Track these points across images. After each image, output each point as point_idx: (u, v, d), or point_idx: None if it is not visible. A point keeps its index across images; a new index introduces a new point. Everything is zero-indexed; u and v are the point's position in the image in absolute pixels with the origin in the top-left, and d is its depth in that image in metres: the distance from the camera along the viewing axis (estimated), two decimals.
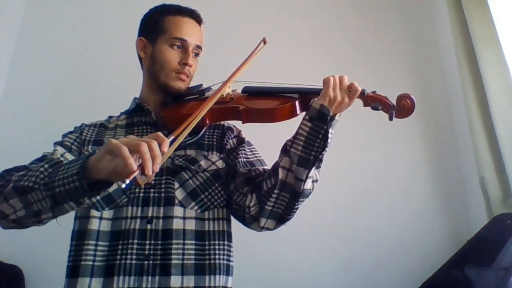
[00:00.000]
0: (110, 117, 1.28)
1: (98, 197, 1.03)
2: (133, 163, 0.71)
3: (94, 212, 1.03)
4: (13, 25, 2.16)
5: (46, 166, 0.88)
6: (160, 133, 0.78)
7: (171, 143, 0.80)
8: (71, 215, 1.08)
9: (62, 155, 1.07)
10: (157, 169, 0.73)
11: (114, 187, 1.04)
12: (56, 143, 1.13)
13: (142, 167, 0.71)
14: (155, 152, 0.73)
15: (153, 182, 1.07)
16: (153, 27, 1.22)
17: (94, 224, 1.02)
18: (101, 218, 1.03)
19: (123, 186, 0.70)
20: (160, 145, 0.75)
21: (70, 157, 1.08)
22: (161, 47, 1.19)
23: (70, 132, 1.19)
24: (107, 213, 1.04)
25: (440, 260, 1.91)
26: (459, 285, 1.67)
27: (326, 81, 1.02)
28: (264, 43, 1.24)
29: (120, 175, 0.74)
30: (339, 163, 2.03)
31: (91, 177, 0.79)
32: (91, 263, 0.98)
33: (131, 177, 0.70)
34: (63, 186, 0.80)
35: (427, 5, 2.63)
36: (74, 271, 0.99)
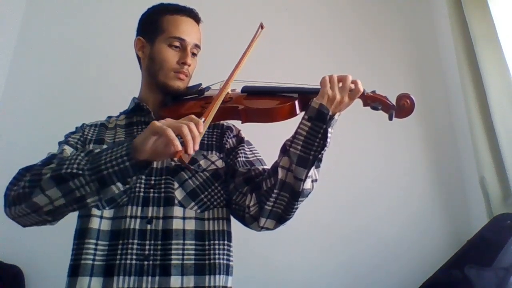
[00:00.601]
0: (109, 117, 1.28)
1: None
2: (179, 144, 0.79)
3: (95, 211, 1.03)
4: (13, 25, 2.16)
5: (82, 154, 0.90)
6: (193, 116, 0.85)
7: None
8: (72, 214, 1.08)
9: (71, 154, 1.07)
10: (197, 148, 0.82)
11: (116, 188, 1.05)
12: (61, 143, 1.14)
13: (185, 147, 0.80)
14: (194, 133, 0.81)
15: (153, 182, 1.07)
16: (151, 26, 1.22)
17: (94, 223, 1.02)
18: (101, 217, 1.03)
19: (173, 163, 0.81)
20: (196, 126, 0.83)
21: None
22: (159, 46, 1.19)
23: (73, 132, 1.19)
24: (108, 212, 1.04)
25: (440, 260, 1.91)
26: (459, 285, 1.67)
27: (322, 80, 1.02)
28: (262, 28, 1.22)
29: (163, 155, 0.85)
30: (339, 163, 2.03)
31: (136, 158, 0.85)
32: (91, 262, 0.98)
33: (178, 156, 0.80)
34: (112, 168, 0.85)
35: (427, 5, 2.63)
36: (74, 270, 0.99)
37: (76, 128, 1.21)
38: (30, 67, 2.13)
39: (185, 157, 0.82)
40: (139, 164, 0.86)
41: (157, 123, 0.82)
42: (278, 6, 2.47)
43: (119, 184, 0.87)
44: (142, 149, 0.84)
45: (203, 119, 0.89)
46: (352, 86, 1.01)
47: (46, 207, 0.90)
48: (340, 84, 1.01)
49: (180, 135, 0.80)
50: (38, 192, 0.89)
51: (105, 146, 1.12)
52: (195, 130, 0.81)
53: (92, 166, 0.86)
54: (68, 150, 1.09)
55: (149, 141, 0.83)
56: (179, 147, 0.79)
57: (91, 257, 0.98)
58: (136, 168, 0.86)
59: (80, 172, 0.86)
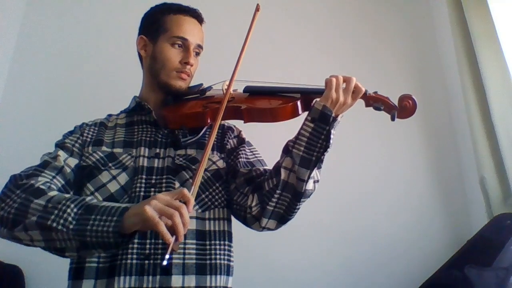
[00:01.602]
0: (110, 115, 1.27)
1: (101, 199, 1.04)
2: (170, 237, 0.78)
3: None
4: (13, 25, 2.16)
5: (72, 206, 0.88)
6: (185, 191, 0.83)
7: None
8: None
9: (65, 161, 1.07)
10: (185, 232, 0.80)
11: (115, 186, 1.05)
12: (57, 145, 1.13)
13: (176, 235, 0.79)
14: (185, 219, 0.80)
15: (153, 181, 1.07)
16: (154, 25, 1.22)
17: None
18: None
19: (164, 262, 0.77)
20: (187, 206, 0.82)
21: (72, 161, 1.08)
22: (162, 45, 1.19)
23: (71, 132, 1.18)
24: None
25: (440, 260, 1.91)
26: (459, 285, 1.68)
27: (328, 82, 1.01)
28: (258, 10, 1.21)
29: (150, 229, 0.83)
30: (340, 163, 2.03)
31: (123, 233, 0.84)
32: (96, 264, 0.98)
33: (170, 251, 0.78)
34: (96, 238, 0.84)
35: (427, 5, 2.63)
36: (78, 273, 0.98)
37: (75, 127, 1.20)
38: (30, 67, 2.13)
39: (176, 246, 0.80)
40: (124, 238, 0.85)
41: (149, 210, 0.79)
42: (279, 6, 2.47)
43: (100, 250, 0.87)
44: (131, 229, 0.83)
45: (192, 189, 0.88)
46: (353, 87, 1.01)
47: (26, 242, 0.91)
48: (344, 85, 1.01)
49: (171, 223, 0.79)
50: (21, 229, 0.89)
51: (104, 148, 1.12)
52: (186, 215, 0.80)
53: (77, 228, 0.85)
54: (62, 156, 1.08)
55: (138, 225, 0.82)
56: (171, 240, 0.78)
57: (96, 259, 0.98)
58: (119, 243, 0.84)
59: (65, 230, 0.85)
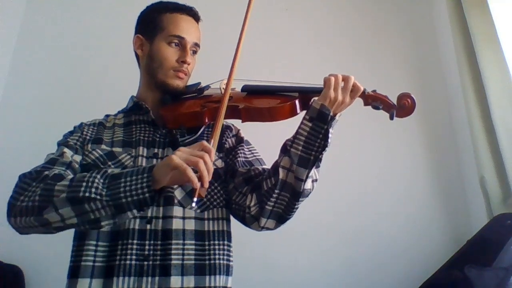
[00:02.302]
0: (107, 115, 1.27)
1: None
2: (197, 182, 0.84)
3: None
4: (13, 25, 2.16)
5: (98, 176, 0.91)
6: (205, 143, 0.89)
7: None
8: None
9: (72, 157, 1.07)
10: (210, 178, 0.86)
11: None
12: (60, 144, 1.13)
13: (201, 181, 0.84)
14: (209, 166, 0.86)
15: None
16: (151, 24, 1.21)
17: None
18: None
19: (194, 205, 0.89)
20: (210, 156, 0.87)
21: (78, 158, 1.09)
22: (159, 44, 1.18)
23: (71, 132, 1.18)
24: None
25: (440, 260, 1.91)
26: (459, 285, 1.67)
27: (326, 81, 1.01)
28: None
29: (179, 183, 0.96)
30: (339, 163, 2.03)
31: (155, 188, 0.89)
32: (91, 263, 0.98)
33: (197, 194, 0.84)
34: (131, 197, 0.87)
35: (427, 5, 2.63)
36: (74, 271, 0.98)
37: (74, 127, 1.20)
38: (30, 67, 2.13)
39: (202, 191, 0.85)
40: (157, 194, 0.90)
41: (176, 159, 0.85)
42: (278, 5, 2.47)
43: (135, 211, 0.89)
44: (161, 182, 0.88)
45: (211, 141, 0.92)
46: (351, 85, 1.01)
47: (56, 224, 0.91)
48: (342, 84, 1.01)
49: (196, 169, 0.84)
50: (51, 210, 0.89)
51: (103, 146, 1.12)
52: (209, 163, 0.86)
53: (111, 193, 0.88)
54: (68, 152, 1.08)
55: (167, 176, 0.87)
56: (198, 185, 0.83)
57: (92, 258, 0.98)
58: (155, 198, 0.89)
59: (98, 197, 0.87)
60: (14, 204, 0.94)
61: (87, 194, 0.87)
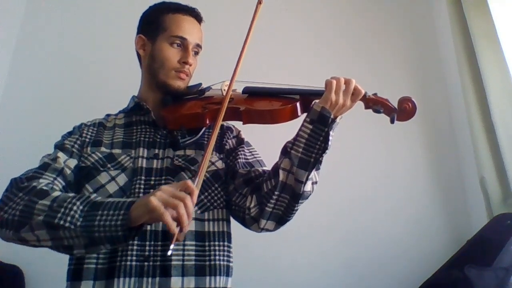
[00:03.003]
0: (108, 115, 1.26)
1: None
2: (176, 229, 0.80)
3: None
4: (13, 25, 2.16)
5: (78, 203, 0.88)
6: (189, 183, 0.85)
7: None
8: None
9: (64, 162, 1.07)
10: (191, 220, 0.83)
11: (114, 187, 1.05)
12: (56, 147, 1.12)
13: (180, 225, 0.80)
14: (190, 211, 0.82)
15: (152, 182, 1.07)
16: (153, 25, 1.21)
17: None
18: None
19: (169, 252, 0.80)
20: (192, 197, 0.83)
21: (72, 162, 1.08)
22: (161, 45, 1.18)
23: (70, 133, 1.18)
24: None
25: (440, 260, 1.91)
26: (459, 285, 1.67)
27: (328, 84, 1.01)
28: (260, 3, 1.20)
29: (157, 221, 0.87)
30: (340, 164, 2.03)
31: (130, 226, 0.85)
32: (94, 266, 0.98)
33: (174, 240, 0.80)
34: (104, 233, 0.84)
35: (427, 4, 2.63)
36: (76, 274, 0.98)
37: (74, 128, 1.20)
38: (30, 67, 2.13)
39: (181, 236, 0.82)
40: (131, 231, 0.86)
41: (154, 201, 0.81)
42: (278, 6, 2.46)
43: (108, 245, 0.87)
44: (137, 221, 0.84)
45: (196, 180, 0.89)
46: (353, 89, 1.01)
47: (32, 242, 0.91)
48: (344, 87, 1.01)
49: (176, 214, 0.80)
50: (27, 230, 0.89)
51: (102, 149, 1.12)
52: (190, 206, 0.82)
53: (85, 224, 0.85)
54: (62, 157, 1.08)
55: (145, 216, 0.83)
56: (176, 232, 0.80)
57: (94, 261, 0.98)
58: (127, 236, 0.85)
59: (72, 226, 0.85)
60: None
61: (61, 222, 0.86)
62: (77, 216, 0.86)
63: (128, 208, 0.85)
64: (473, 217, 2.12)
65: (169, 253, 0.80)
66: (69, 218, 0.86)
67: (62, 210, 0.87)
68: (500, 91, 1.95)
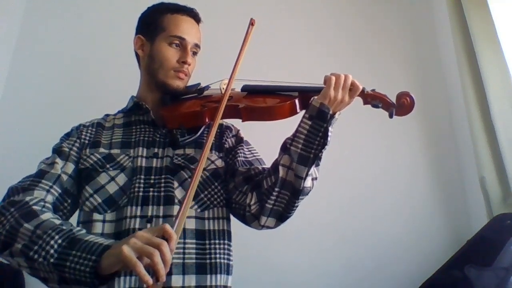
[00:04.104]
0: (107, 115, 1.27)
1: (100, 201, 1.04)
2: (150, 280, 0.74)
3: (97, 216, 1.03)
4: (13, 25, 2.16)
5: (57, 237, 0.87)
6: (167, 227, 0.79)
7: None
8: (74, 217, 1.08)
9: (62, 169, 1.07)
10: (167, 269, 0.76)
11: (114, 187, 1.05)
12: (54, 151, 1.13)
13: (156, 276, 0.75)
14: (167, 259, 0.76)
15: (152, 181, 1.07)
16: (152, 25, 1.22)
17: (97, 228, 1.02)
18: (104, 221, 1.03)
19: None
20: (169, 243, 0.77)
21: (70, 167, 1.09)
22: (159, 45, 1.19)
23: (68, 135, 1.18)
24: (110, 216, 1.03)
25: (440, 260, 1.91)
26: (459, 285, 1.67)
27: (327, 80, 1.02)
28: (252, 24, 1.19)
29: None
30: (339, 163, 2.03)
31: (100, 273, 0.82)
32: None
33: None
34: (73, 275, 0.83)
35: (427, 5, 2.63)
36: None
37: (72, 129, 1.20)
38: (30, 67, 2.13)
39: (156, 287, 0.75)
40: (102, 278, 0.83)
41: (126, 251, 0.76)
42: (277, 5, 2.47)
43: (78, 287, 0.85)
44: (108, 270, 0.81)
45: (176, 224, 0.82)
46: (350, 84, 1.02)
47: (15, 265, 0.91)
48: (343, 83, 1.01)
49: (151, 263, 0.75)
50: (8, 254, 0.90)
51: (101, 149, 1.12)
52: (167, 253, 0.76)
53: (57, 262, 0.84)
54: (60, 163, 1.08)
55: (116, 266, 0.80)
56: (150, 282, 0.74)
57: None
58: (96, 283, 0.83)
59: (46, 262, 0.85)
60: None
61: (35, 256, 0.85)
62: (52, 251, 0.85)
63: (100, 255, 0.82)
64: (473, 217, 2.12)
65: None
66: (43, 253, 0.86)
67: (40, 242, 0.87)
68: (500, 91, 1.95)
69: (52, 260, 0.84)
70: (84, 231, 0.91)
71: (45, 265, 0.85)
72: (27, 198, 0.97)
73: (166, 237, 0.78)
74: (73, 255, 0.84)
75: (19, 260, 0.88)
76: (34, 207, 0.96)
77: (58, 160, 1.08)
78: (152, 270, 0.75)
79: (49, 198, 1.02)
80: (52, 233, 0.88)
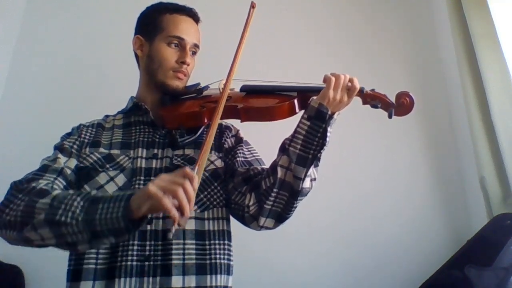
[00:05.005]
0: (107, 116, 1.27)
1: None
2: (176, 213, 0.79)
3: None
4: (13, 25, 2.16)
5: (79, 199, 0.88)
6: (188, 170, 0.83)
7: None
8: None
9: (64, 163, 1.07)
10: (192, 207, 0.81)
11: (113, 188, 1.05)
12: (56, 148, 1.13)
13: (181, 210, 0.80)
14: (190, 195, 0.81)
15: None
16: (151, 25, 1.22)
17: None
18: None
19: (170, 235, 0.81)
20: (191, 183, 0.82)
21: (72, 163, 1.09)
22: (158, 45, 1.19)
23: (68, 134, 1.18)
24: None
25: (440, 260, 1.91)
26: (459, 285, 1.67)
27: (327, 80, 1.01)
28: (253, 7, 1.19)
29: (159, 211, 0.87)
30: (338, 163, 2.03)
31: (131, 217, 0.83)
32: (93, 266, 0.98)
33: (176, 224, 0.79)
34: (106, 226, 0.83)
35: (427, 4, 2.63)
36: (76, 274, 0.98)
37: (72, 129, 1.20)
38: (30, 67, 2.13)
39: (183, 221, 0.80)
40: (134, 223, 0.84)
41: (152, 188, 0.80)
42: (277, 4, 2.46)
43: (111, 238, 0.86)
44: (138, 212, 0.82)
45: (196, 168, 0.88)
46: (349, 84, 1.02)
47: (37, 242, 0.90)
48: (342, 83, 1.01)
49: (175, 199, 0.79)
50: (30, 229, 0.88)
51: (101, 149, 1.12)
52: (190, 191, 0.81)
53: (86, 218, 0.84)
54: (62, 158, 1.08)
55: (145, 206, 0.81)
56: (177, 216, 0.79)
57: (94, 261, 0.98)
58: (130, 228, 0.84)
59: (74, 222, 0.84)
60: (0, 216, 0.94)
61: (63, 218, 0.85)
62: (78, 211, 0.85)
63: (128, 199, 0.84)
64: (473, 217, 2.12)
65: (170, 235, 0.80)
66: (70, 214, 0.85)
67: (63, 206, 0.87)
68: (500, 91, 1.95)
69: (80, 218, 0.84)
70: (101, 193, 0.92)
71: (73, 226, 0.84)
72: (33, 184, 0.98)
73: (187, 178, 0.82)
74: (100, 208, 0.85)
75: (43, 232, 0.87)
76: (44, 187, 0.96)
77: (60, 155, 1.09)
78: (177, 206, 0.79)
79: (55, 187, 1.01)
80: (72, 197, 0.89)
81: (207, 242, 1.05)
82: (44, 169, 1.05)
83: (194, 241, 1.04)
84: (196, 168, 0.87)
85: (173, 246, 1.00)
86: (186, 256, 1.01)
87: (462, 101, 2.15)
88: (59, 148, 1.12)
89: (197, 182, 0.84)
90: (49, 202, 0.89)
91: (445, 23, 2.33)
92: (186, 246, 1.02)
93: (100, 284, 0.97)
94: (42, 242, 0.89)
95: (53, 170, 1.04)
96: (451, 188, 2.25)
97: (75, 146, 1.13)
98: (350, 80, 1.02)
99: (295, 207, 1.05)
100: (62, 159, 1.08)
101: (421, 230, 2.15)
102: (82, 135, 1.16)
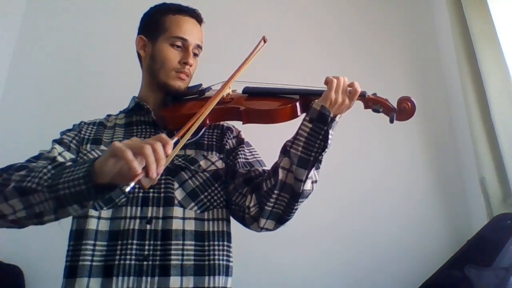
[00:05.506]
0: (109, 115, 1.27)
1: None
2: (137, 166, 0.71)
3: (92, 212, 1.02)
4: (13, 25, 2.16)
5: (49, 167, 0.86)
6: (163, 135, 0.77)
7: (175, 144, 0.80)
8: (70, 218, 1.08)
9: (60, 153, 1.07)
10: (161, 171, 0.74)
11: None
12: (54, 141, 1.13)
13: (146, 170, 0.72)
14: (159, 154, 0.73)
15: None
16: (154, 25, 1.22)
17: (92, 224, 1.01)
18: (99, 217, 1.02)
19: (127, 189, 0.70)
20: (164, 147, 0.75)
21: (68, 155, 1.08)
22: (161, 45, 1.19)
23: (69, 130, 1.18)
24: (106, 213, 1.03)
25: (440, 260, 1.90)
26: (459, 285, 1.67)
27: (329, 83, 1.01)
28: (264, 41, 1.21)
29: (124, 178, 0.74)
30: (339, 164, 2.03)
31: (96, 181, 0.79)
32: (89, 263, 0.98)
33: (135, 180, 0.71)
34: (68, 189, 0.80)
35: (427, 4, 2.63)
36: (72, 271, 0.98)
37: (73, 125, 1.20)
38: (30, 67, 2.13)
39: (145, 182, 0.72)
40: (98, 188, 0.80)
41: (117, 143, 0.74)
42: (278, 6, 2.47)
43: (75, 206, 0.82)
44: (101, 172, 0.77)
45: (175, 139, 0.81)
46: (350, 88, 1.02)
47: (10, 216, 0.87)
48: (344, 86, 1.01)
49: (142, 156, 0.72)
50: (2, 200, 0.86)
51: (102, 147, 1.12)
52: (160, 151, 0.73)
53: (51, 183, 0.82)
54: (58, 149, 1.08)
55: (108, 163, 0.76)
56: (137, 170, 0.71)
57: (89, 258, 0.98)
58: (93, 192, 0.79)
59: (39, 188, 0.82)
60: None
61: (29, 184, 0.83)
62: (45, 177, 0.83)
63: (93, 161, 0.80)
64: (473, 217, 2.12)
65: (127, 189, 0.69)
66: (37, 180, 0.84)
67: (33, 174, 0.86)
68: (500, 91, 1.95)
69: (46, 184, 0.82)
70: None
71: (39, 193, 0.82)
72: (18, 164, 0.96)
73: (160, 141, 0.75)
74: (66, 172, 0.82)
75: (14, 203, 0.84)
76: (25, 164, 0.95)
77: (57, 146, 1.09)
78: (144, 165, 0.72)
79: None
80: (44, 165, 0.87)
81: (206, 243, 1.05)
82: (37, 157, 1.04)
83: (193, 242, 1.04)
84: (175, 139, 0.80)
85: (172, 247, 1.01)
86: (184, 257, 1.01)
87: (462, 101, 2.15)
88: (57, 140, 1.12)
89: (170, 150, 0.76)
90: (24, 173, 0.88)
91: (445, 23, 2.33)
92: (185, 247, 1.02)
93: (96, 281, 0.96)
94: (15, 216, 0.86)
95: (46, 158, 1.03)
96: (451, 188, 2.26)
97: (74, 141, 1.13)
98: (351, 85, 1.02)
99: (296, 209, 1.05)
100: (58, 149, 1.08)
101: (421, 230, 2.15)
102: (83, 132, 1.16)
